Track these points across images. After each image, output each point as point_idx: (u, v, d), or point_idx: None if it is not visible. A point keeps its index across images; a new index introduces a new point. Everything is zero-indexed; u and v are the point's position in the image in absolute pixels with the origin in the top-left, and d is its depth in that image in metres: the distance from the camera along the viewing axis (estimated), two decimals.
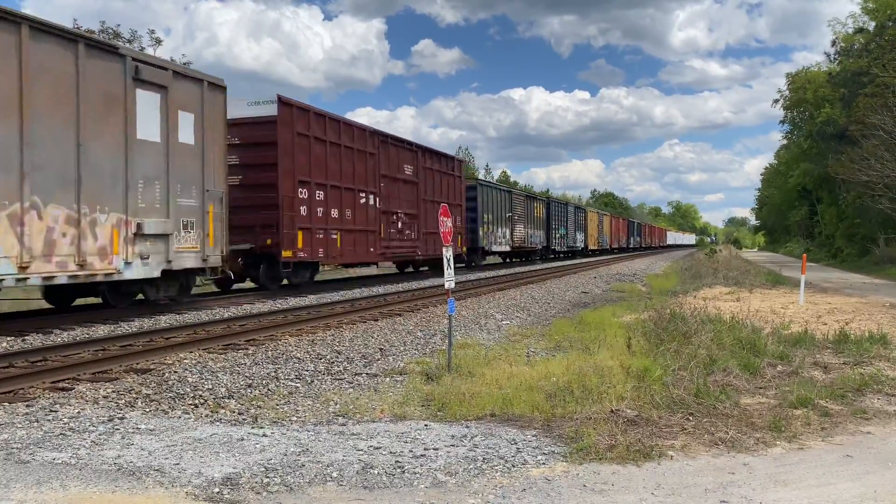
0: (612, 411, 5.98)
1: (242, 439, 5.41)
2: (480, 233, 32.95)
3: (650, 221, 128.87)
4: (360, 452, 5.07)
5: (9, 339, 10.27)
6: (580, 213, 56.72)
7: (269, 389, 7.31)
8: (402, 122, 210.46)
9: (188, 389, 7.17)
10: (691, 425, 5.73)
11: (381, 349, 9.83)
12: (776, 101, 53.12)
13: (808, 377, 7.54)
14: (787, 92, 51.08)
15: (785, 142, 64.43)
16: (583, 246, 55.50)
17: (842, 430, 5.77)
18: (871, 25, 40.09)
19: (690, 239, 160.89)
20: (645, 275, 29.95)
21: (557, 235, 47.58)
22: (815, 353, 8.94)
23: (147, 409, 6.46)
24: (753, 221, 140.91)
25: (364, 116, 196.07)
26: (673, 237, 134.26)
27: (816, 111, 44.82)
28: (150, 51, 34.57)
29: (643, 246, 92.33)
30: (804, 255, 22.42)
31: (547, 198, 50.96)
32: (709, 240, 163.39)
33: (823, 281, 24.62)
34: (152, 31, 39.00)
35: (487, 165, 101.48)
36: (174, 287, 14.49)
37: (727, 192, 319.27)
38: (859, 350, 9.04)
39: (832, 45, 44.31)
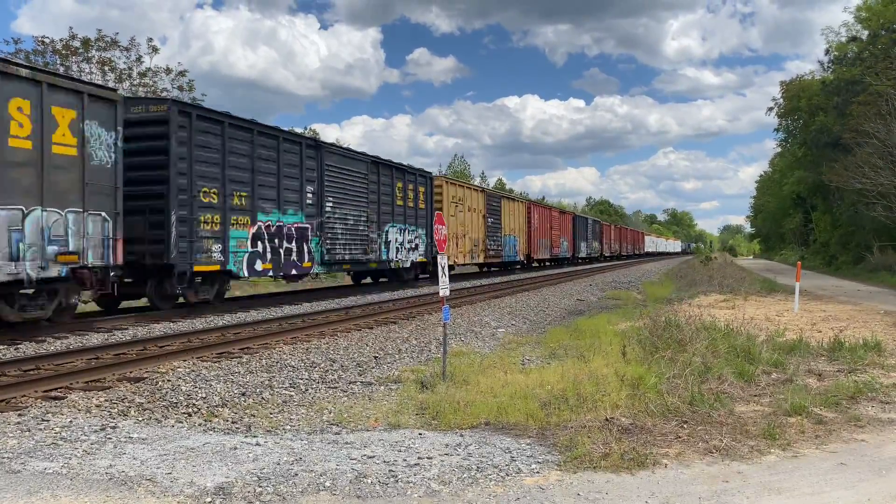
0: (606, 419, 5.97)
1: (235, 448, 5.38)
2: None
3: (617, 222, 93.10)
4: (354, 461, 5.05)
5: (1, 347, 10.22)
6: (417, 186, 25.91)
7: (262, 398, 7.28)
8: (398, 130, 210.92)
9: (181, 398, 7.14)
10: (686, 433, 5.73)
11: (375, 357, 9.81)
12: (770, 109, 53.35)
13: (802, 385, 7.54)
14: (782, 100, 51.33)
15: (779, 149, 64.69)
16: (423, 260, 26.19)
17: (836, 437, 5.77)
18: (865, 34, 40.35)
19: (676, 246, 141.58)
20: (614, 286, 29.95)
21: (295, 248, 18.10)
22: (809, 361, 8.95)
23: (140, 418, 6.43)
24: (748, 229, 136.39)
25: (360, 125, 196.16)
26: (653, 243, 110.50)
27: (810, 119, 45.01)
28: (146, 59, 34.52)
29: (605, 255, 65.99)
30: (799, 262, 22.46)
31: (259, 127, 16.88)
32: (699, 246, 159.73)
33: (818, 288, 24.67)
34: (150, 40, 39.06)
35: (483, 173, 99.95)
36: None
37: (722, 200, 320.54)
38: (854, 357, 9.05)
39: (826, 54, 44.59)
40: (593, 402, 6.44)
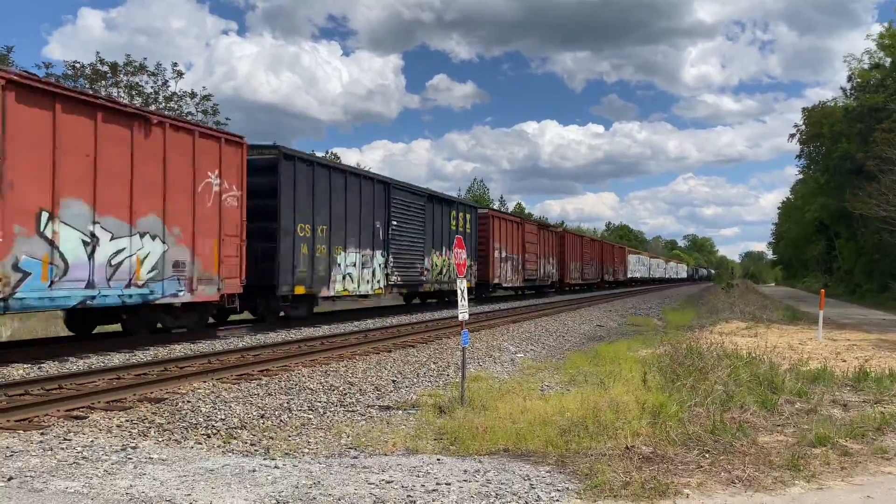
0: (627, 447, 5.91)
1: (254, 471, 5.39)
2: None
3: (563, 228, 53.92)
4: (372, 486, 5.03)
5: (25, 366, 10.34)
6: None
7: (281, 420, 7.29)
8: (418, 155, 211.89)
9: (201, 419, 7.17)
10: (707, 463, 5.65)
11: (393, 381, 9.80)
12: (792, 135, 53.14)
13: (826, 415, 7.42)
14: (804, 126, 51.09)
15: (801, 176, 64.23)
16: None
17: (862, 469, 5.66)
18: (888, 61, 40.14)
19: (679, 271, 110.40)
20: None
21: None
22: (833, 391, 8.81)
23: (160, 439, 6.47)
24: (770, 256, 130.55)
25: (380, 149, 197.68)
26: (642, 265, 74.84)
27: (833, 146, 44.70)
28: (171, 83, 35.20)
29: (527, 284, 35.30)
30: (822, 290, 22.16)
31: None
32: (705, 272, 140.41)
33: (842, 317, 24.30)
34: (175, 64, 40.05)
35: (502, 197, 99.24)
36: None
37: (743, 227, 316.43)
38: (879, 388, 8.90)
39: (848, 81, 44.39)
40: (613, 430, 6.38)
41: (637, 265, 71.40)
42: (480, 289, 30.20)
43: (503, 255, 32.03)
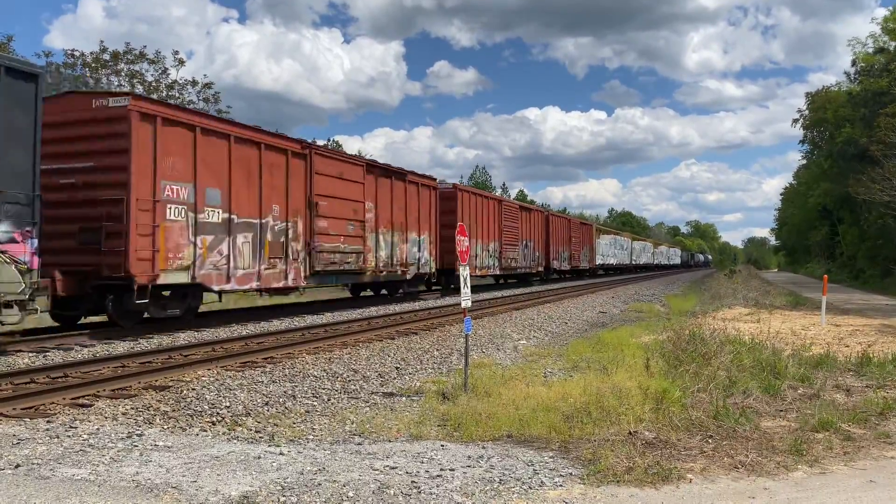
0: (630, 433, 5.93)
1: (259, 457, 5.42)
2: None
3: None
4: (377, 472, 5.06)
5: (30, 354, 10.39)
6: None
7: (285, 407, 7.33)
8: (419, 142, 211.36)
9: (206, 407, 7.21)
10: (710, 448, 5.67)
11: (397, 368, 9.83)
12: (796, 120, 52.98)
13: (829, 400, 7.44)
14: (807, 112, 50.91)
15: (804, 161, 64.06)
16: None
17: (865, 454, 5.68)
18: (892, 45, 39.90)
19: (673, 256, 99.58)
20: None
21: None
22: (836, 376, 8.82)
23: (165, 426, 6.50)
24: (773, 241, 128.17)
25: (382, 137, 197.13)
26: (620, 248, 61.84)
27: (837, 131, 44.55)
28: (172, 72, 35.05)
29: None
30: (825, 276, 22.12)
31: None
32: (703, 258, 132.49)
33: (845, 302, 24.29)
34: (175, 52, 39.97)
35: (504, 184, 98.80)
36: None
37: (745, 213, 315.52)
38: (882, 373, 8.91)
39: (852, 65, 44.20)
40: (617, 416, 6.40)
41: (611, 249, 57.53)
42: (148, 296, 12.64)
43: (230, 220, 14.19)
